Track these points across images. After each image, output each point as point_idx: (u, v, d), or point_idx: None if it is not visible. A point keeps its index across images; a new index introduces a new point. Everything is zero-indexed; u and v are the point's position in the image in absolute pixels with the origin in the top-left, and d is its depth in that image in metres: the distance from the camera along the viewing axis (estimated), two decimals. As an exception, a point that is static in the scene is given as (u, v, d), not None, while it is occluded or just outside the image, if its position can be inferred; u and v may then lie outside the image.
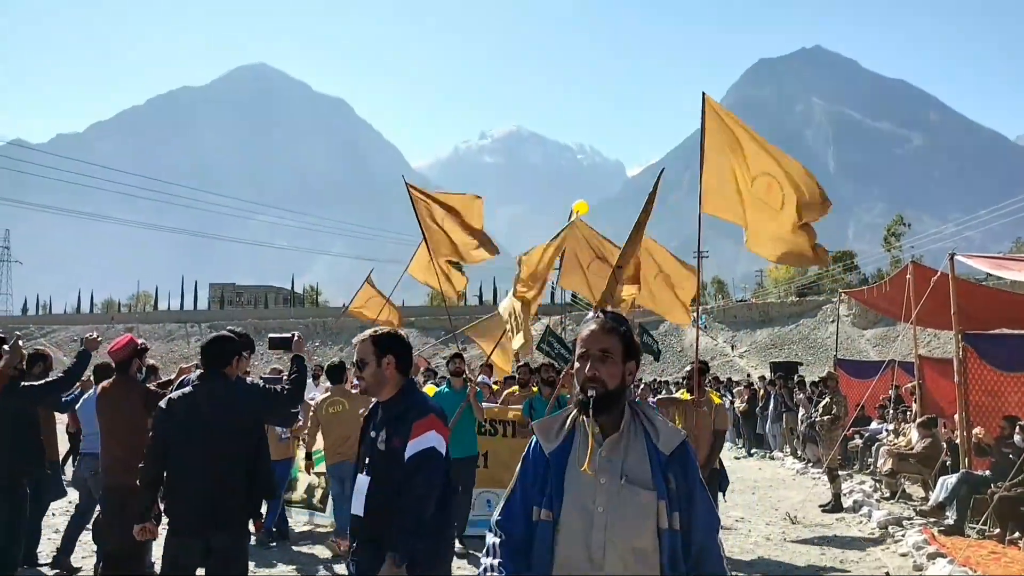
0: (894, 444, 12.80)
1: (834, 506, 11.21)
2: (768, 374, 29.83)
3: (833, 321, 49.51)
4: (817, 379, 16.09)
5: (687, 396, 7.99)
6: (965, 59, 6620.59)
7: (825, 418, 12.06)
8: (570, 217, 9.72)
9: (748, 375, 40.31)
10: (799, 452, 17.51)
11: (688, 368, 8.19)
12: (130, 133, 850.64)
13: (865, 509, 10.66)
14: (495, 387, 11.32)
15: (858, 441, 15.04)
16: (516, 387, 9.96)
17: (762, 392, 20.96)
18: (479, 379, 10.10)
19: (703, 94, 7.05)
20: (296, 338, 4.87)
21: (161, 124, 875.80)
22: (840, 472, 12.26)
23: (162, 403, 4.32)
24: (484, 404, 9.06)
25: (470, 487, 8.21)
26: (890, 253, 73.23)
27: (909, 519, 9.87)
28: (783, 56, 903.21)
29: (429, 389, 8.92)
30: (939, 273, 10.91)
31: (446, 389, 8.44)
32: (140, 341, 5.98)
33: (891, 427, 14.28)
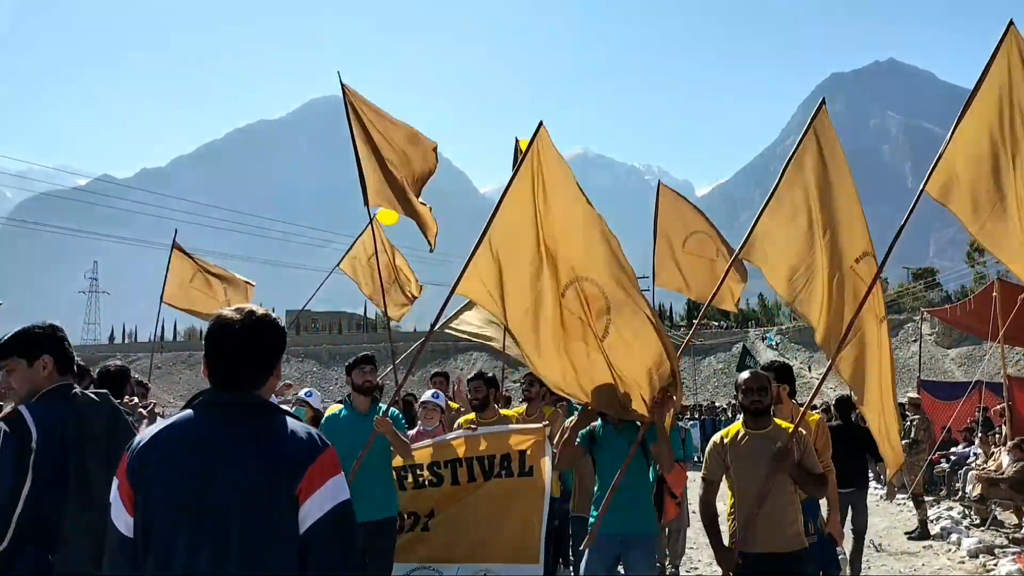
0: (984, 468, 12.31)
1: (921, 533, 10.86)
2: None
3: (915, 340, 47.84)
4: (904, 400, 15.58)
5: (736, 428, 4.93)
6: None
7: (903, 443, 11.69)
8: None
9: (825, 399, 39.21)
10: (883, 476, 16.96)
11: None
12: (209, 166, 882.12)
13: (954, 536, 10.29)
14: (454, 407, 7.82)
15: (944, 465, 14.50)
16: (472, 413, 6.62)
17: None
18: (426, 397, 7.11)
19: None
20: None
21: (239, 156, 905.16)
22: (926, 498, 11.85)
23: None
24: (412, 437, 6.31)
25: (385, 564, 5.49)
26: (974, 269, 70.46)
27: (1002, 547, 9.50)
28: (856, 70, 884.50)
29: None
30: (1027, 290, 10.54)
31: (344, 411, 5.82)
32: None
33: (979, 450, 13.75)
